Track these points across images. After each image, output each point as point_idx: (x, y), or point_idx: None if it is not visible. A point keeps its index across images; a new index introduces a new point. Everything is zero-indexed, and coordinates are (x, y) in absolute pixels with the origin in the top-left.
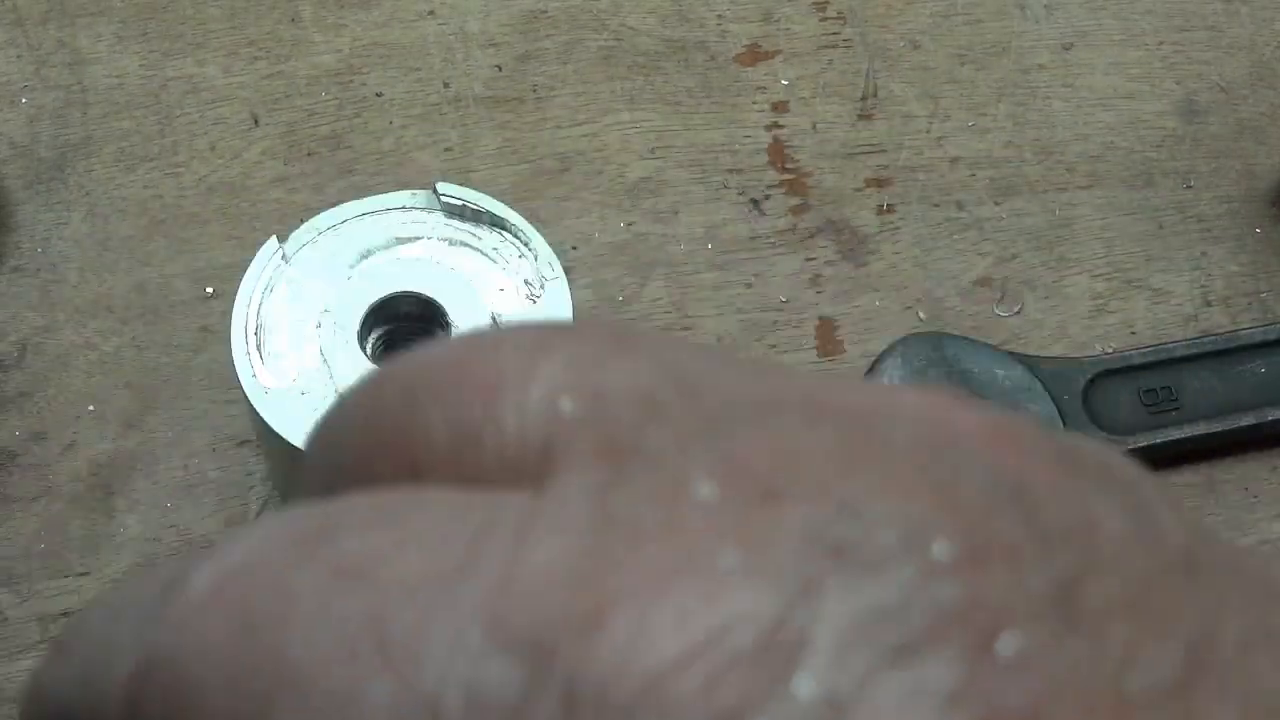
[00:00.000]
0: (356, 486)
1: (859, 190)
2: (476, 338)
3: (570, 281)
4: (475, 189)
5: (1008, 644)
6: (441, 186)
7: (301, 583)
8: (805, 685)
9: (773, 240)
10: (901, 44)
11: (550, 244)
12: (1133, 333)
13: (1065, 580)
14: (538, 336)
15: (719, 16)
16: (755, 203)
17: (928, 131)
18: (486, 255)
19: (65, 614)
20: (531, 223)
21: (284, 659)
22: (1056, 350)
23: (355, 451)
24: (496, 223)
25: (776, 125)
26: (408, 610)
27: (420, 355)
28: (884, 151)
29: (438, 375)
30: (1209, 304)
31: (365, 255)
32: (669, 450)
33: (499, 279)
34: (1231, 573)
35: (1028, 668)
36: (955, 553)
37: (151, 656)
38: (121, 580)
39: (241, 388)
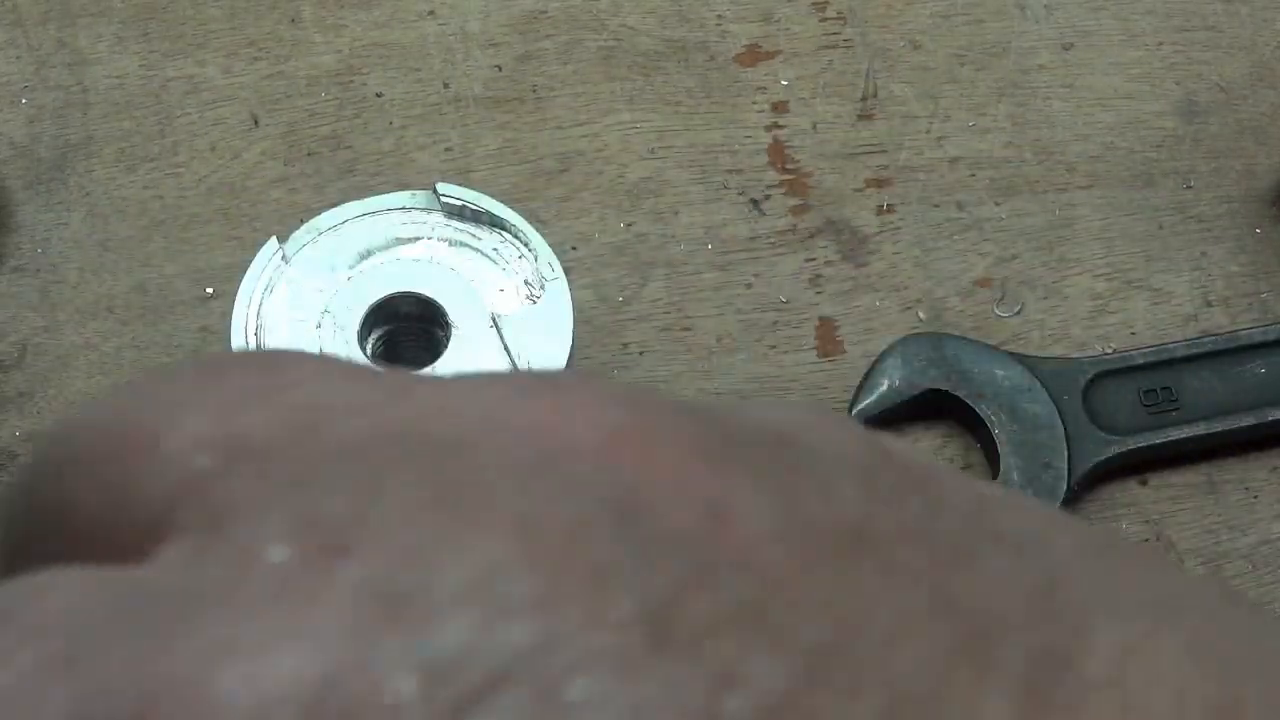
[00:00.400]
0: (30, 562)
1: (859, 190)
2: (137, 388)
3: (570, 281)
4: (475, 189)
5: (579, 687)
6: (441, 187)
7: None
8: None
9: (773, 240)
10: (901, 44)
11: (550, 244)
12: (1133, 333)
13: (662, 600)
14: (191, 381)
15: (719, 16)
16: (755, 203)
17: (928, 131)
18: (486, 255)
19: None
20: (531, 223)
21: None
22: (1056, 350)
23: (20, 528)
24: (496, 223)
25: (776, 125)
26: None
27: (79, 415)
28: (884, 151)
29: (89, 439)
30: (1209, 304)
31: (365, 255)
32: (254, 511)
33: (499, 279)
34: (918, 541)
35: (603, 708)
36: (527, 591)
37: None
38: None
39: None
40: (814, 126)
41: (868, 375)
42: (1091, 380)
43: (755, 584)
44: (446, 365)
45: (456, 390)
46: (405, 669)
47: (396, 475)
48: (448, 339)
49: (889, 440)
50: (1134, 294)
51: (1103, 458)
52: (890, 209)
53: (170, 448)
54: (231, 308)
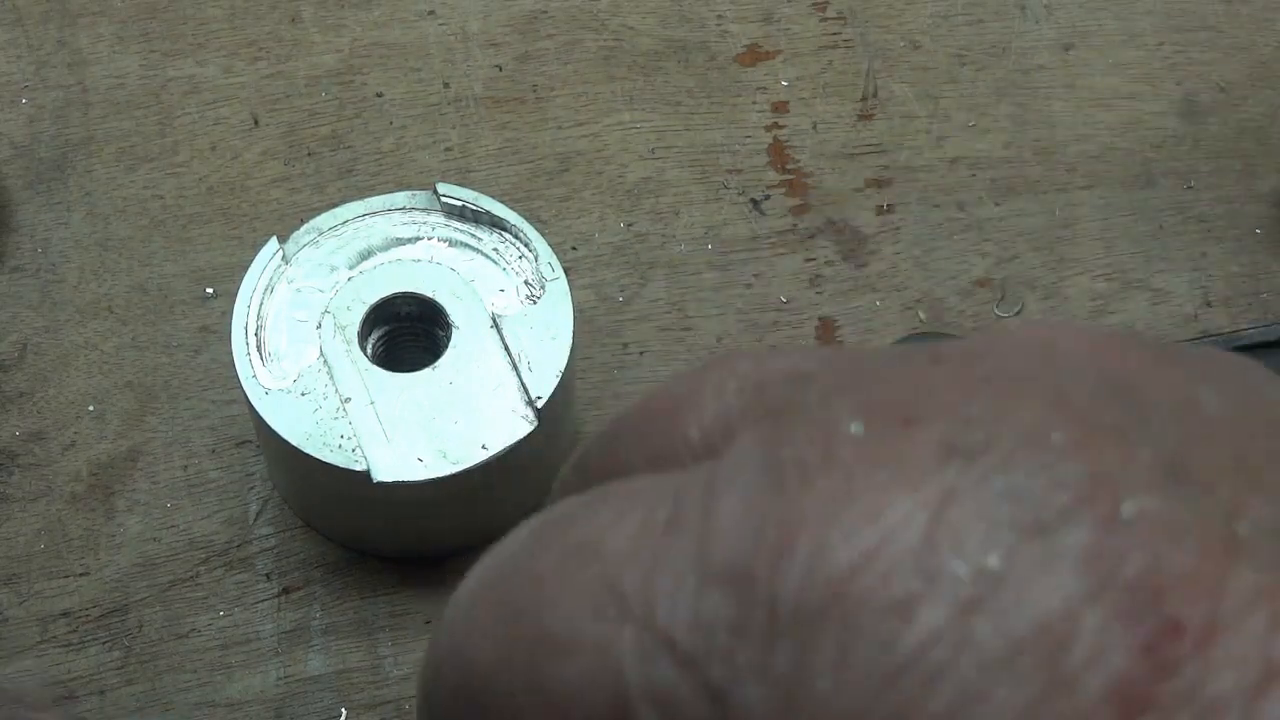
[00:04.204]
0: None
1: (859, 190)
2: (665, 385)
3: (570, 281)
4: (475, 189)
5: (1129, 508)
6: (441, 187)
7: (544, 566)
8: (960, 567)
9: (773, 240)
10: (901, 44)
11: (550, 244)
12: None
13: (1172, 452)
14: (704, 366)
15: (719, 16)
16: (755, 203)
17: (928, 132)
18: (486, 255)
19: (65, 614)
20: (531, 223)
21: (544, 629)
22: None
23: (575, 487)
24: (496, 223)
25: (776, 125)
26: (634, 569)
27: (620, 414)
28: (884, 152)
29: (629, 421)
30: (1209, 304)
31: (365, 255)
32: (819, 404)
33: (499, 279)
34: None
35: (1148, 525)
36: (1070, 440)
37: (433, 658)
38: (123, 580)
39: (241, 388)
40: (814, 126)
41: None
42: None
43: (1231, 450)
44: (446, 365)
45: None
46: (989, 502)
47: (935, 372)
48: (448, 339)
49: None
50: (1134, 294)
51: None
52: (890, 209)
53: (707, 398)
54: (231, 308)
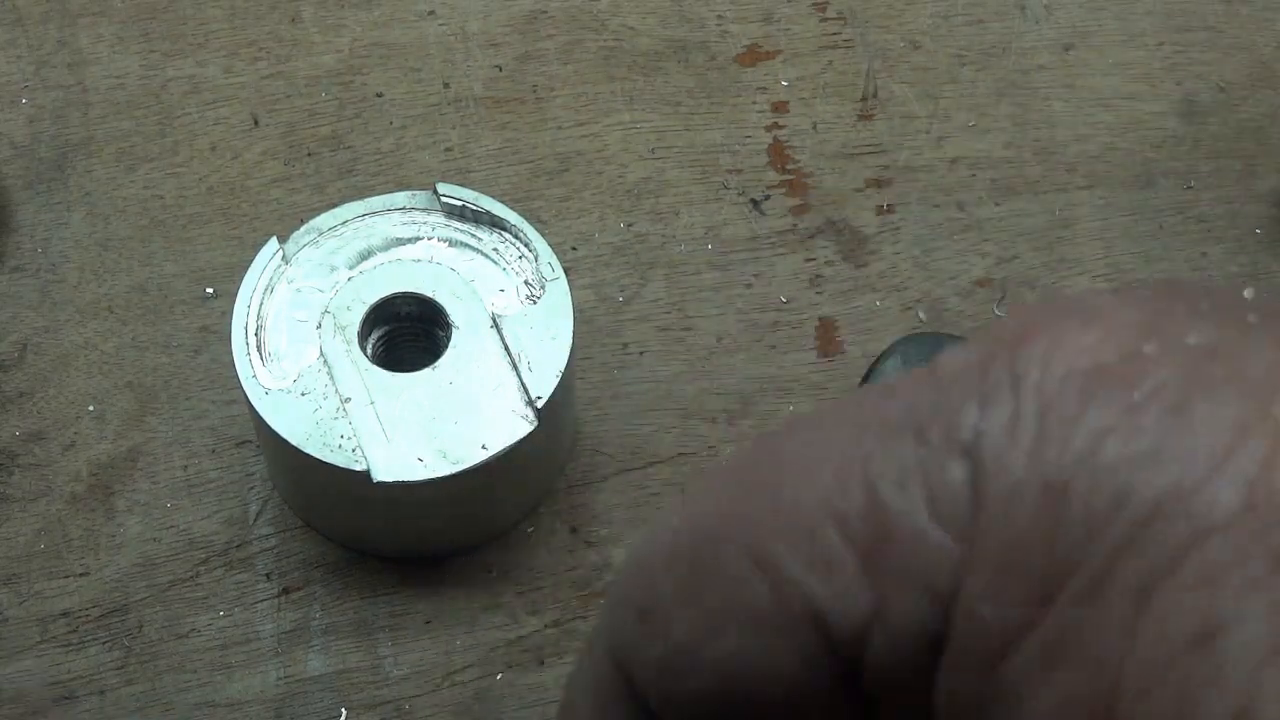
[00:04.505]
0: None
1: (859, 190)
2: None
3: (570, 281)
4: (475, 189)
5: None
6: (441, 187)
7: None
8: None
9: (773, 240)
10: (901, 44)
11: (550, 244)
12: None
13: None
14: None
15: (719, 16)
16: (755, 203)
17: (928, 132)
18: (486, 255)
19: (65, 614)
20: (531, 223)
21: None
22: None
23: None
24: (496, 223)
25: (776, 125)
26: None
27: None
28: (884, 152)
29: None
30: None
31: (365, 256)
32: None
33: (499, 279)
34: None
35: None
36: None
37: (661, 524)
38: (122, 580)
39: (241, 388)
40: (814, 126)
41: (868, 375)
42: None
43: None
44: (446, 365)
45: None
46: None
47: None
48: (448, 339)
49: None
50: None
51: None
52: (890, 209)
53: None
54: (231, 308)
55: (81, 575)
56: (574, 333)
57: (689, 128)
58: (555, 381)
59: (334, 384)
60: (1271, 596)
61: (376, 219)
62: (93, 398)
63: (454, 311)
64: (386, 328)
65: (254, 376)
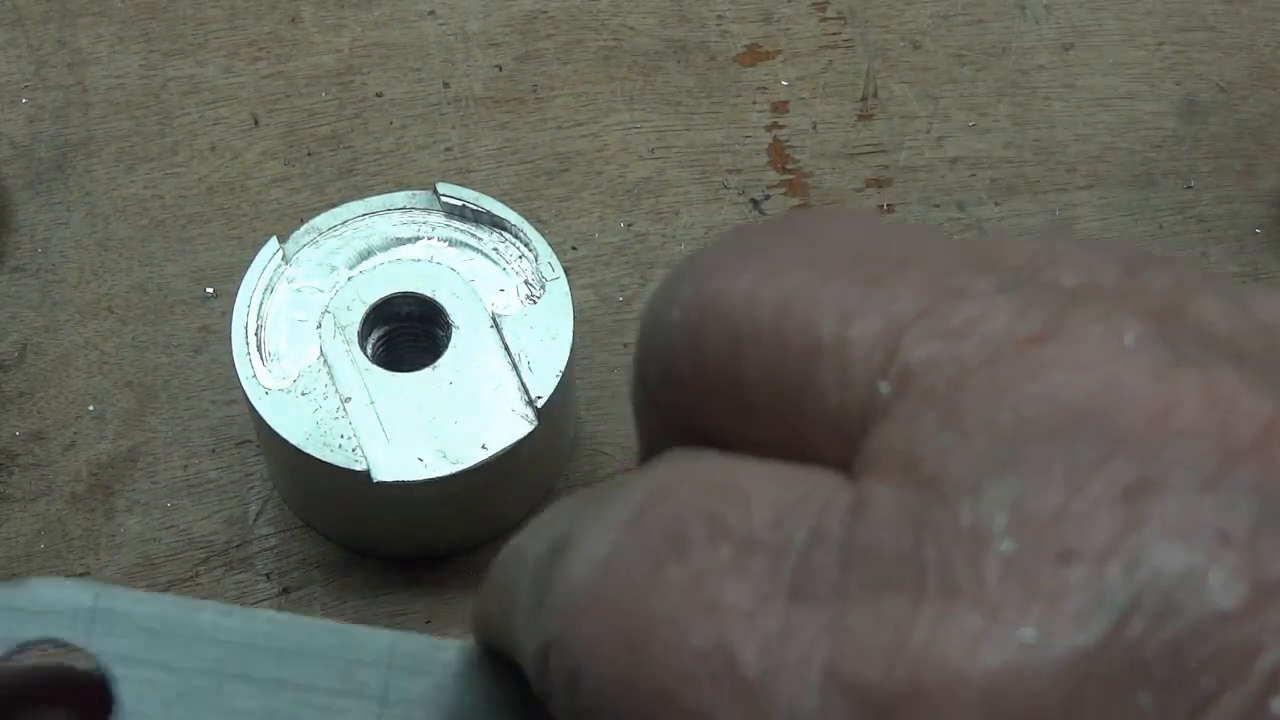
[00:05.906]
0: (686, 418)
1: (859, 190)
2: (797, 265)
3: (570, 281)
4: (475, 189)
5: None
6: (441, 186)
7: (659, 606)
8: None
9: None
10: (901, 44)
11: (550, 244)
12: None
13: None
14: (850, 280)
15: (719, 16)
16: (755, 203)
17: (928, 132)
18: (486, 255)
19: None
20: (531, 223)
21: (654, 680)
22: None
23: (684, 383)
24: (496, 223)
25: (776, 125)
26: (752, 642)
27: (745, 284)
28: (884, 152)
29: (761, 321)
30: None
31: (365, 255)
32: (967, 485)
33: (499, 279)
34: None
35: None
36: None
37: (548, 640)
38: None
39: (241, 388)
40: (814, 126)
41: None
42: None
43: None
44: (446, 365)
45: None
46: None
47: (1081, 455)
48: (448, 339)
49: None
50: None
51: None
52: (890, 209)
53: (852, 361)
54: (231, 308)
55: (81, 575)
56: (574, 333)
57: (689, 128)
58: (555, 381)
59: (334, 384)
60: None
61: (376, 219)
62: (93, 398)
63: (454, 311)
64: (386, 328)
65: (254, 376)
